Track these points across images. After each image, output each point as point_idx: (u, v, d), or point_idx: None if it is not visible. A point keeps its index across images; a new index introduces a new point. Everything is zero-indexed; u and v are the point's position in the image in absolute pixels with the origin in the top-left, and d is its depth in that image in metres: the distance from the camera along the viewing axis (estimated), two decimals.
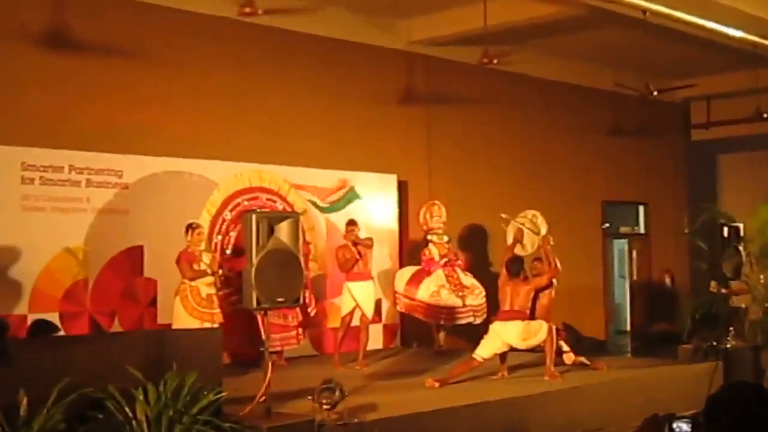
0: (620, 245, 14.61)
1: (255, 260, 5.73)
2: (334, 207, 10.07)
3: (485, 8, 9.28)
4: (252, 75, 9.85)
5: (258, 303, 5.78)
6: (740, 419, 2.84)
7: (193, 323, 7.63)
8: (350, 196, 10.25)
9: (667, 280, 14.16)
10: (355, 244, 8.76)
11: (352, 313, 8.78)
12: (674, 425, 3.12)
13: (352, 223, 8.94)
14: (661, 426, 3.12)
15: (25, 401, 4.74)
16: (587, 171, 13.37)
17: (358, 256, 8.73)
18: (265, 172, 9.31)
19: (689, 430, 3.10)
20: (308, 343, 9.54)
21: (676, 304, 13.29)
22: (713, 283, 9.01)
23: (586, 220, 13.32)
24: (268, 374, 5.75)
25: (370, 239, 8.92)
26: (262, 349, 6.26)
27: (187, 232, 7.95)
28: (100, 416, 5.02)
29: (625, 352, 12.79)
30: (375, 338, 9.78)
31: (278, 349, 8.66)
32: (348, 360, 8.73)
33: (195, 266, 7.90)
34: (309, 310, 9.10)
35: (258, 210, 8.14)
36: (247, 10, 8.11)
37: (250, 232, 5.78)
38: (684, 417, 3.14)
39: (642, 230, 14.72)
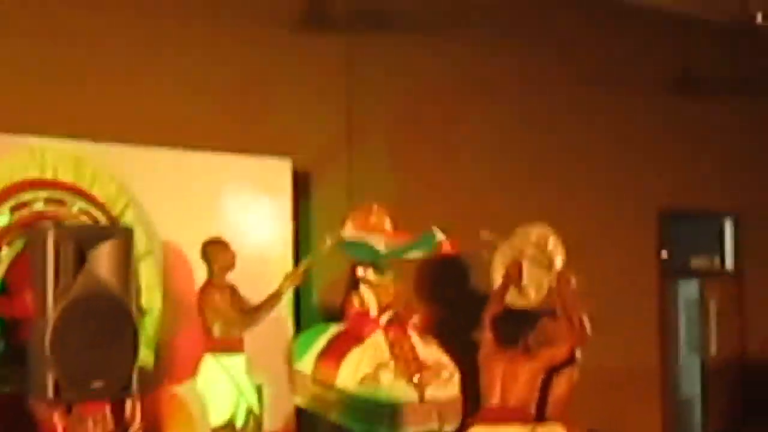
0: (691, 291, 14.75)
1: (52, 312, 5.85)
2: None
3: None
4: None
5: (57, 392, 5.89)
6: None
7: None
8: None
9: None
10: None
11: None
12: None
13: (222, 244, 9.14)
14: None
15: None
16: (635, 157, 13.54)
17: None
18: (86, 159, 9.12)
19: None
20: None
21: None
22: None
23: (633, 244, 13.51)
24: None
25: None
26: None
27: None
28: None
29: None
30: None
31: None
32: None
33: None
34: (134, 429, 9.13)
35: (61, 223, 7.96)
36: None
37: (44, 261, 5.89)
38: None
39: (729, 264, 14.91)
